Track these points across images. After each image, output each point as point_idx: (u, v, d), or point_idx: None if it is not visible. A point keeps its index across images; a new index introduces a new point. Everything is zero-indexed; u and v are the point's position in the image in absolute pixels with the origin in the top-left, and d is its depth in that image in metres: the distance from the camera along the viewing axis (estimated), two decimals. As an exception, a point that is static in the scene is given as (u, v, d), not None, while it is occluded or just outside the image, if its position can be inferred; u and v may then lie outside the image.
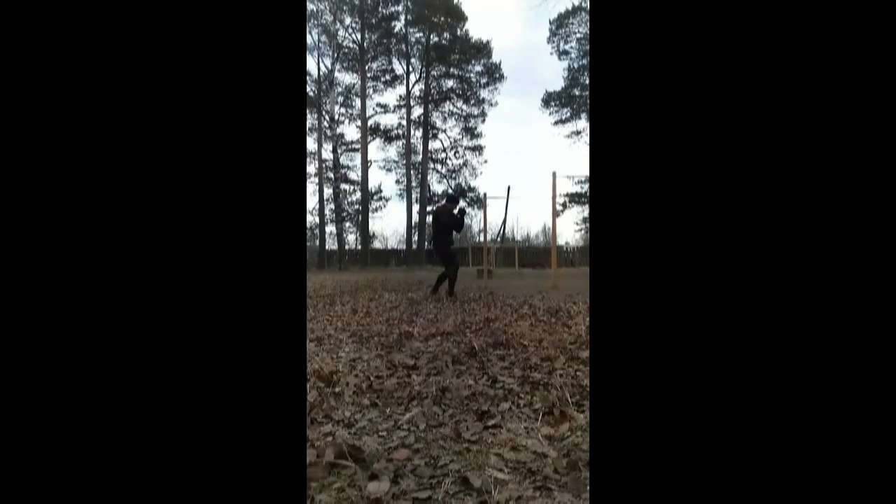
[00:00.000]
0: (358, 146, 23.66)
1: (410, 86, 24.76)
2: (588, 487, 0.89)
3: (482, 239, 9.36)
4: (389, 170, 25.68)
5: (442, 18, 23.79)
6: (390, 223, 50.25)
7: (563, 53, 23.71)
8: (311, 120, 21.70)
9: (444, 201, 6.02)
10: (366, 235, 23.63)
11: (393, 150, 25.55)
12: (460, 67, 25.04)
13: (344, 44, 23.25)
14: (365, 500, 0.88)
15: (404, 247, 24.87)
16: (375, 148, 26.93)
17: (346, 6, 22.55)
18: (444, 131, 25.60)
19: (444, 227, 5.41)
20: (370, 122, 23.97)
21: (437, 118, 25.49)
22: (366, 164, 23.23)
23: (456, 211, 5.49)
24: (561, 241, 24.99)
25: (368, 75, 23.80)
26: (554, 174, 7.19)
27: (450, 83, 25.42)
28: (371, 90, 24.16)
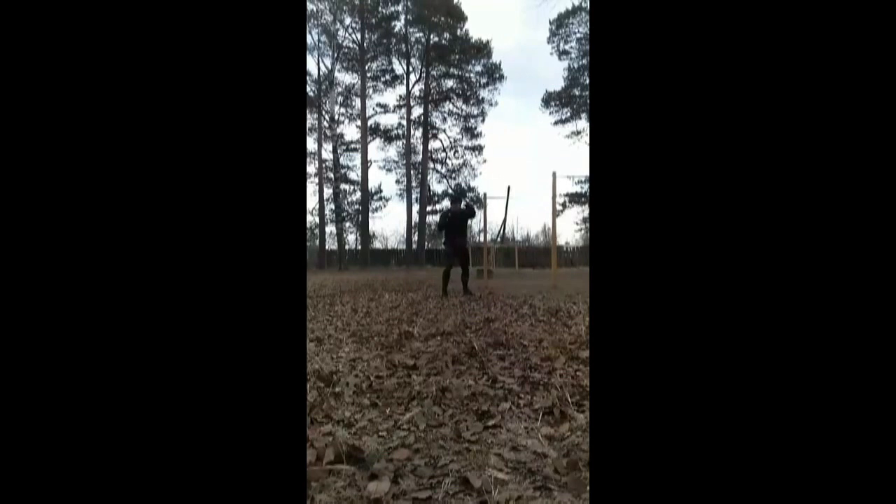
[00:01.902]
0: (358, 146, 23.69)
1: (410, 86, 24.81)
2: (588, 487, 0.89)
3: (482, 239, 9.36)
4: (389, 170, 25.74)
5: (442, 18, 23.81)
6: (390, 223, 50.26)
7: (563, 53, 23.76)
8: (311, 120, 21.72)
9: (449, 204, 6.40)
10: (366, 235, 23.65)
11: (393, 150, 25.63)
12: (460, 67, 25.07)
13: (344, 44, 23.29)
14: (365, 500, 0.88)
15: (404, 247, 24.89)
16: (375, 148, 26.95)
17: (346, 6, 22.56)
18: (444, 131, 25.66)
19: (455, 224, 5.65)
20: (370, 122, 24.01)
21: (436, 118, 25.54)
22: (366, 164, 23.25)
23: (462, 205, 5.89)
24: (561, 241, 25.05)
25: (368, 75, 23.83)
26: (554, 174, 7.20)
27: (450, 83, 25.47)
28: (371, 90, 24.21)
